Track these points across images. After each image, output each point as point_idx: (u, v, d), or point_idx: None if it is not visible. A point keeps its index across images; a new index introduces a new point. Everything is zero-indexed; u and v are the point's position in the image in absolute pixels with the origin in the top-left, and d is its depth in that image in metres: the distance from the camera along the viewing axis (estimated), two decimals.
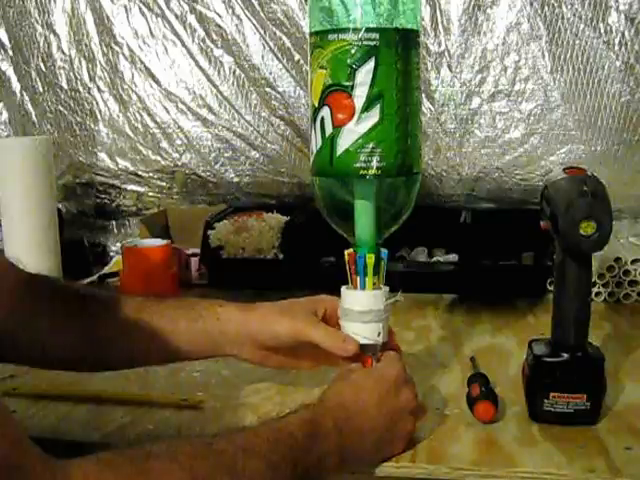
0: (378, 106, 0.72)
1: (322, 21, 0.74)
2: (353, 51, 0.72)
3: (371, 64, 0.72)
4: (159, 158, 1.56)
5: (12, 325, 0.77)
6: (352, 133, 0.73)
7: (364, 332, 0.78)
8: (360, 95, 0.72)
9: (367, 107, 0.72)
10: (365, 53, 0.72)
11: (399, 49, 0.73)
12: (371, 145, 0.73)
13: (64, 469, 0.51)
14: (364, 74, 0.72)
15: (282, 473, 0.62)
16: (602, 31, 1.32)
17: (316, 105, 0.75)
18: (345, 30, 0.72)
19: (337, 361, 0.81)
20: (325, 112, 0.74)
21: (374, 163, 0.73)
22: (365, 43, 0.72)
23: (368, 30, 0.72)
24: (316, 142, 0.76)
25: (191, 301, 0.85)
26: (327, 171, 0.76)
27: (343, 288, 0.80)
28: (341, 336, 0.78)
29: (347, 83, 0.72)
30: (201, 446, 0.60)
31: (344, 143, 0.73)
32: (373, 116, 0.72)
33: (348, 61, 0.72)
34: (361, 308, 0.78)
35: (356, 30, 0.72)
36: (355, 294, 0.79)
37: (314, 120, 0.75)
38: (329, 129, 0.74)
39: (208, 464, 0.58)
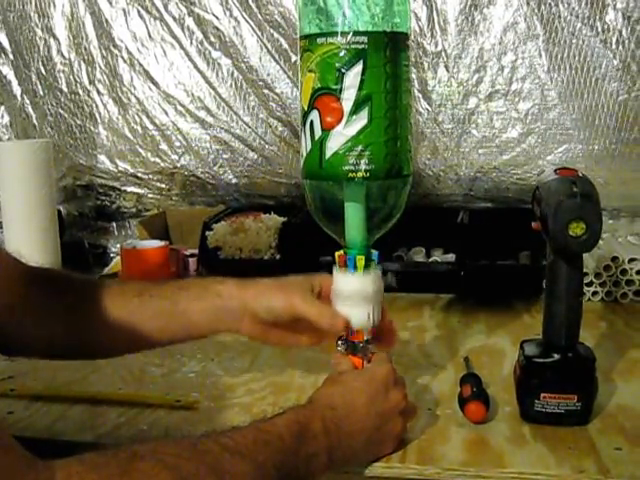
0: (366, 109, 0.72)
1: (311, 25, 0.74)
2: (341, 54, 0.72)
3: (359, 67, 0.72)
4: (158, 160, 1.57)
5: (15, 317, 0.78)
6: (341, 136, 0.73)
7: (353, 315, 0.78)
8: (348, 98, 0.72)
9: (355, 110, 0.72)
10: (353, 56, 0.72)
11: (387, 52, 0.73)
12: (360, 148, 0.73)
13: (48, 469, 0.51)
14: (352, 77, 0.72)
15: (268, 474, 0.62)
16: (599, 30, 1.32)
17: (305, 108, 0.75)
18: (333, 33, 0.72)
19: (333, 339, 0.82)
20: (314, 115, 0.74)
21: (363, 166, 0.73)
22: (353, 46, 0.72)
23: (356, 33, 0.72)
24: (306, 145, 0.76)
25: (191, 281, 0.88)
26: (316, 174, 0.76)
27: (335, 270, 0.80)
28: (330, 313, 0.79)
29: (335, 86, 0.72)
30: (186, 446, 0.60)
31: (333, 146, 0.73)
32: (361, 119, 0.72)
33: (336, 64, 0.72)
34: (350, 291, 0.78)
35: (344, 33, 0.72)
36: (345, 276, 0.79)
37: (304, 123, 0.76)
38: (318, 132, 0.74)
39: (193, 464, 0.58)
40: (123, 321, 0.81)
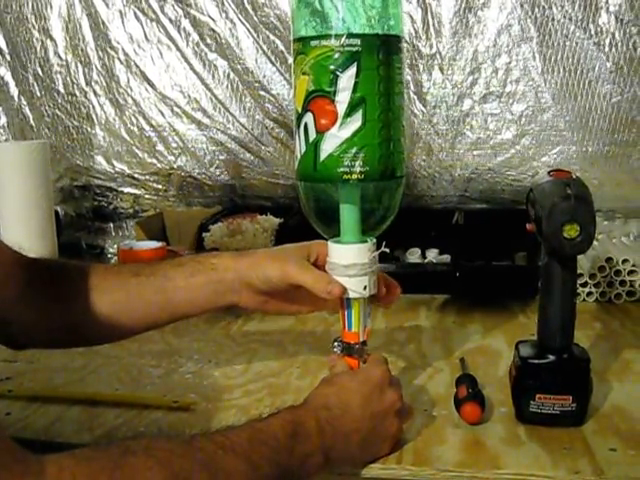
0: (360, 111, 0.73)
1: (307, 27, 0.75)
2: (335, 57, 0.72)
3: (353, 70, 0.72)
4: (155, 161, 1.58)
5: (14, 307, 0.79)
6: (335, 138, 0.73)
7: (350, 286, 0.78)
8: (342, 100, 0.72)
9: (350, 112, 0.72)
10: (347, 59, 0.72)
11: (381, 54, 0.73)
12: (354, 150, 0.73)
13: (39, 463, 0.52)
14: (346, 79, 0.72)
15: (263, 473, 0.63)
16: (592, 32, 1.33)
17: (299, 111, 0.75)
18: (327, 36, 0.72)
19: (332, 307, 0.82)
20: (308, 118, 0.74)
21: (357, 168, 0.73)
22: (347, 49, 0.72)
23: (350, 36, 0.72)
24: (300, 148, 0.76)
25: (186, 258, 0.87)
26: (311, 176, 0.76)
27: (329, 242, 0.80)
28: (326, 279, 0.78)
29: (329, 89, 0.73)
30: (180, 443, 0.60)
31: (327, 148, 0.74)
32: (356, 121, 0.73)
33: (330, 67, 0.72)
34: (346, 262, 0.78)
35: (338, 36, 0.72)
36: (340, 248, 0.79)
37: (298, 126, 0.76)
38: (312, 135, 0.74)
39: (186, 461, 0.58)
40: (122, 302, 0.82)
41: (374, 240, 0.79)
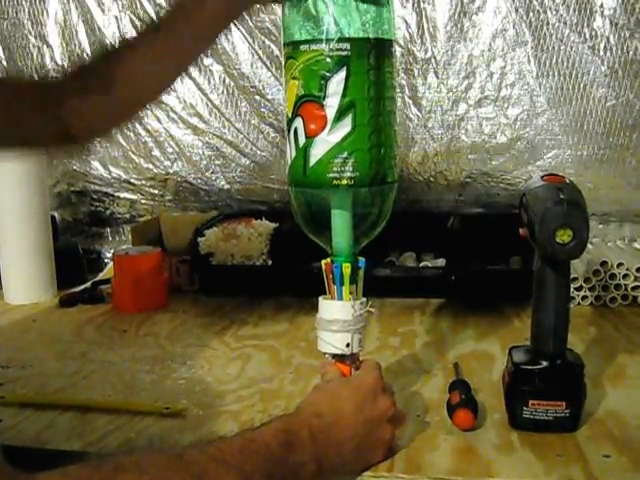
0: (350, 116, 0.72)
1: (299, 32, 0.74)
2: (325, 61, 0.72)
3: (342, 74, 0.72)
4: (151, 166, 1.58)
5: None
6: (325, 143, 0.73)
7: (332, 341, 0.78)
8: (332, 105, 0.72)
9: (339, 117, 0.72)
10: (336, 63, 0.72)
11: (371, 59, 0.73)
12: (344, 155, 0.73)
13: None
14: (336, 84, 0.72)
15: None
16: (587, 36, 1.33)
17: (290, 116, 0.75)
18: (317, 40, 0.72)
19: None
20: (298, 123, 0.74)
21: (347, 173, 0.73)
22: (336, 53, 0.71)
23: (340, 40, 0.71)
24: (290, 153, 0.76)
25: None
26: (301, 181, 0.76)
27: (320, 298, 0.80)
28: None
29: (319, 93, 0.72)
30: (172, 457, 0.59)
31: (317, 153, 0.73)
32: (345, 126, 0.72)
33: (320, 71, 0.72)
34: (329, 317, 0.78)
35: (328, 40, 0.71)
36: (325, 303, 0.79)
37: (288, 131, 0.76)
38: (302, 140, 0.74)
39: (179, 475, 0.58)
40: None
41: (363, 299, 0.79)
